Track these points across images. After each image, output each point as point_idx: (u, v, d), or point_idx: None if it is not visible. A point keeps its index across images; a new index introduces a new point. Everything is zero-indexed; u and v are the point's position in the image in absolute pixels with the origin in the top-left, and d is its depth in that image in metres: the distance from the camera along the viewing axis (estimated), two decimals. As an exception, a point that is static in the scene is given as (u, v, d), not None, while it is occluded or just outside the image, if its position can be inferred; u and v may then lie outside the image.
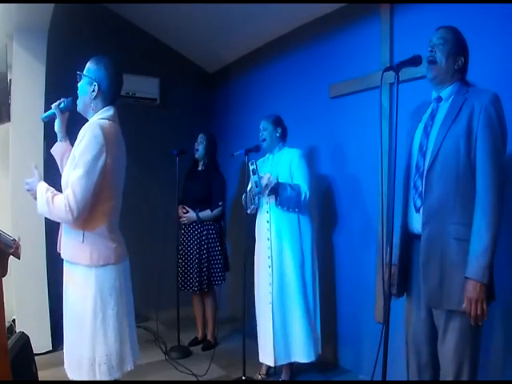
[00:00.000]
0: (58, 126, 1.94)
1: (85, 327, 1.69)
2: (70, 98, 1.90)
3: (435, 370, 1.69)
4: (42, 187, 1.71)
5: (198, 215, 3.25)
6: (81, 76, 1.78)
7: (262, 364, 2.71)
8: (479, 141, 1.52)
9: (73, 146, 1.74)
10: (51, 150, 1.97)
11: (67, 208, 1.61)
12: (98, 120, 1.72)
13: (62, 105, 1.92)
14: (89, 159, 1.63)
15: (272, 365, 2.59)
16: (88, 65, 1.79)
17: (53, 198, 1.66)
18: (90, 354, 1.69)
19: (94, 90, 1.75)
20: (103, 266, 1.71)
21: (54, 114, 1.93)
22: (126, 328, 1.78)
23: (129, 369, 1.81)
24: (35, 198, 1.71)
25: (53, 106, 1.93)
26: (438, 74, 1.65)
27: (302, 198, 2.55)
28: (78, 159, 1.64)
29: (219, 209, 3.27)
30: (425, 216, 1.60)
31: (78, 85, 1.79)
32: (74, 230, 1.71)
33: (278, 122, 2.75)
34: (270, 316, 2.58)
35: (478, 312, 1.48)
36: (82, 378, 1.70)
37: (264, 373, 2.79)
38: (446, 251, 1.57)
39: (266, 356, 2.61)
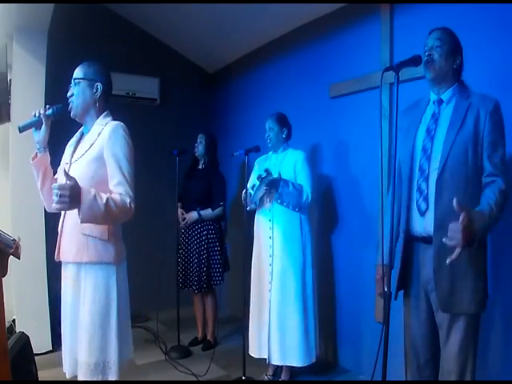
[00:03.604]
0: (41, 135, 1.79)
1: (109, 327, 1.70)
2: (60, 105, 1.81)
3: (434, 371, 1.69)
4: (91, 190, 1.58)
5: (199, 214, 3.24)
6: (79, 81, 1.77)
7: (267, 364, 2.69)
8: (485, 146, 1.56)
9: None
10: (32, 162, 1.80)
11: (132, 204, 1.68)
12: (116, 122, 1.79)
13: (50, 111, 1.78)
14: (127, 153, 1.72)
15: (266, 357, 2.60)
16: (81, 70, 1.79)
17: (112, 198, 1.63)
18: (111, 356, 1.70)
19: (97, 91, 1.78)
20: (122, 262, 1.79)
21: (36, 121, 1.77)
22: (129, 324, 1.86)
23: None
24: (66, 204, 1.51)
25: (38, 112, 1.78)
26: (438, 75, 1.64)
27: (304, 199, 2.56)
28: (118, 154, 1.70)
29: (220, 208, 3.27)
30: (437, 223, 1.60)
31: (74, 92, 1.77)
32: (98, 227, 1.69)
33: (284, 122, 2.73)
34: (267, 313, 2.59)
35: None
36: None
37: (271, 373, 2.79)
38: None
39: (259, 349, 2.63)
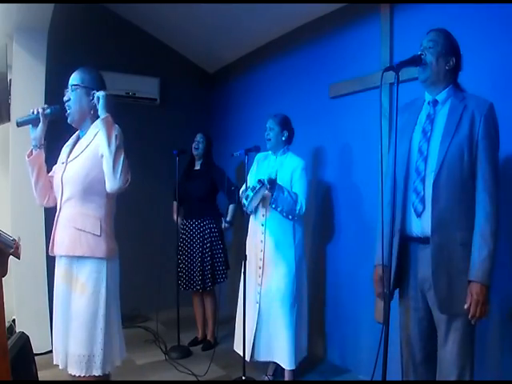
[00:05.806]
0: (38, 133, 1.82)
1: (96, 321, 1.74)
2: (57, 106, 1.84)
3: (429, 370, 1.71)
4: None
5: (227, 222, 3.31)
6: (76, 88, 1.80)
7: (268, 365, 2.68)
8: (480, 149, 1.58)
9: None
10: (28, 159, 1.84)
11: (128, 175, 1.70)
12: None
13: (48, 110, 1.81)
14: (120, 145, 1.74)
15: (248, 359, 2.58)
16: (79, 76, 1.82)
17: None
18: (99, 349, 1.73)
19: (93, 99, 1.79)
20: (113, 259, 1.82)
21: (34, 119, 1.80)
22: (120, 322, 1.88)
23: (118, 364, 1.85)
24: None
25: (37, 110, 1.81)
26: (430, 76, 1.66)
27: (298, 208, 2.53)
28: (115, 144, 1.71)
29: (236, 193, 3.17)
30: (434, 224, 1.61)
31: (70, 97, 1.81)
32: (91, 222, 1.76)
33: (285, 124, 2.68)
34: (256, 315, 2.59)
35: (481, 314, 1.53)
36: (82, 373, 1.72)
37: (271, 373, 2.78)
38: (453, 257, 1.60)
39: (244, 348, 2.60)
